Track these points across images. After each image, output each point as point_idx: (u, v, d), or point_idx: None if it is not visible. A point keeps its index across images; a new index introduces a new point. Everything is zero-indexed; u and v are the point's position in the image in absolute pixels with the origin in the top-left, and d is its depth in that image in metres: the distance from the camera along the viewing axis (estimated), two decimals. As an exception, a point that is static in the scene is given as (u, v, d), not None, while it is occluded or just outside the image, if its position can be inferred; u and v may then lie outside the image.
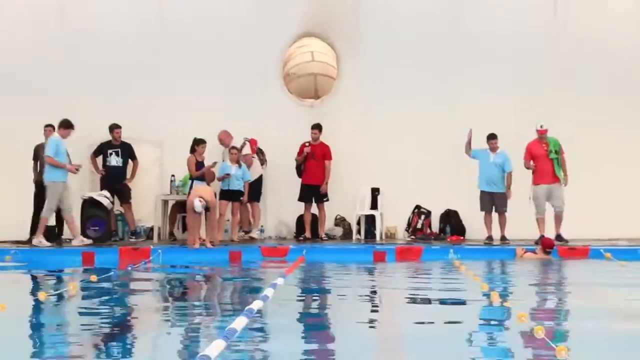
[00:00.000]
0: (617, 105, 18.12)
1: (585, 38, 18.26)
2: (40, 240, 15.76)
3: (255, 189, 17.51)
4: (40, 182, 16.33)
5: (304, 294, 11.06)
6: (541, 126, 16.49)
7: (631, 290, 11.45)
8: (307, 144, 17.52)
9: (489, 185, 16.77)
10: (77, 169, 16.07)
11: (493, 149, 16.76)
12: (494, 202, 16.76)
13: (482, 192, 16.81)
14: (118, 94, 17.72)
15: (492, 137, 16.76)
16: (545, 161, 16.45)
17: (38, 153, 16.54)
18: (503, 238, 16.71)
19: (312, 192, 17.47)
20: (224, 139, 17.45)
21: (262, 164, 17.81)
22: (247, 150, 17.49)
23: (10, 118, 17.48)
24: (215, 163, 16.58)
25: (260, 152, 17.82)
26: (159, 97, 17.97)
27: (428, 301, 10.40)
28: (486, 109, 17.81)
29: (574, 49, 18.23)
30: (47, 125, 16.40)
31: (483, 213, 16.85)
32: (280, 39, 18.39)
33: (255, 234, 17.54)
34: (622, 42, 18.33)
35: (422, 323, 8.62)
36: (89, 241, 16.01)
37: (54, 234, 16.47)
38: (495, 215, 16.84)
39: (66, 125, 15.97)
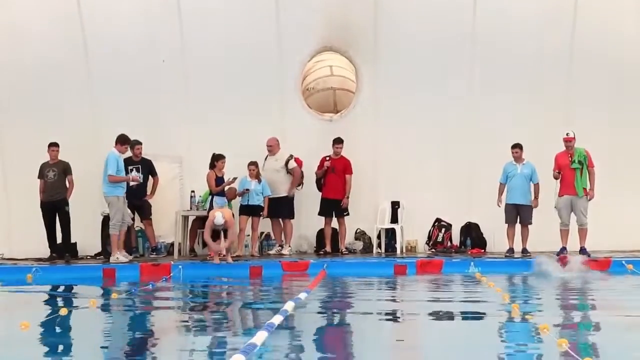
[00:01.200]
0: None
1: (603, 62, 17.97)
2: (117, 257, 15.80)
3: (287, 206, 17.43)
4: (47, 202, 16.37)
5: (328, 308, 11.02)
6: (567, 134, 16.29)
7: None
8: (327, 158, 17.52)
9: (515, 197, 16.61)
10: (136, 180, 16.33)
11: (516, 158, 16.66)
12: (518, 214, 16.65)
13: (507, 205, 16.66)
14: (138, 111, 17.73)
15: (515, 147, 16.64)
16: (568, 171, 16.28)
17: (43, 172, 16.60)
18: (524, 251, 16.58)
19: (332, 206, 17.45)
20: (274, 146, 17.45)
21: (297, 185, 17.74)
22: (293, 164, 17.45)
23: (30, 135, 17.49)
24: (235, 178, 16.57)
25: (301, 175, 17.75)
26: (178, 113, 17.98)
27: (451, 313, 10.35)
28: (505, 121, 17.73)
29: (592, 65, 17.98)
30: (51, 144, 16.49)
31: (506, 225, 16.76)
32: (299, 54, 18.34)
33: (286, 250, 17.37)
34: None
35: (445, 329, 8.59)
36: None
37: (63, 253, 16.52)
38: (518, 228, 16.73)
39: (123, 140, 16.04)
